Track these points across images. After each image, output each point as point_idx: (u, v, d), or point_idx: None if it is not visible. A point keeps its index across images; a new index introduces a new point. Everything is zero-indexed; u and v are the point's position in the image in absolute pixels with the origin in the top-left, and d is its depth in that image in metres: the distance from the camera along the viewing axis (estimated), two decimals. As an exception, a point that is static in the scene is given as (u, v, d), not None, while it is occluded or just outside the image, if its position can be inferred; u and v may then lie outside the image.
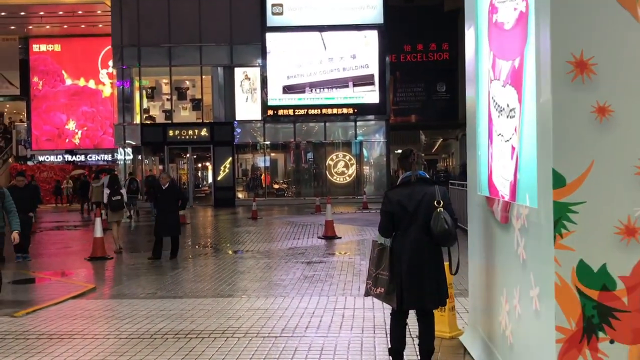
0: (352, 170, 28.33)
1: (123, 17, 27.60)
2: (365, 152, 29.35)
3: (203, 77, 28.31)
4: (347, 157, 28.45)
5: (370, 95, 27.38)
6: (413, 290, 3.93)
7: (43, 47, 34.97)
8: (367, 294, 4.19)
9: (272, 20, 27.56)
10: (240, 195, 28.29)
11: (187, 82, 29.67)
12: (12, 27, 32.91)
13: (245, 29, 27.33)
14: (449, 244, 3.97)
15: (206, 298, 7.42)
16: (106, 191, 12.52)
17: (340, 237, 13.79)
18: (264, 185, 28.52)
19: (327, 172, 28.33)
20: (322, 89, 27.47)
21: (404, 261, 3.95)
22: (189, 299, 7.39)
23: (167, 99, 29.09)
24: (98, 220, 11.56)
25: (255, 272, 9.47)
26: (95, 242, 11.38)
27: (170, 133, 27.60)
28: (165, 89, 29.33)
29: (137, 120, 28.41)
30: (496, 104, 3.99)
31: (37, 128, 34.96)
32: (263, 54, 27.45)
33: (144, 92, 29.09)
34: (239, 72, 27.95)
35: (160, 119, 29.19)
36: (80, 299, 7.62)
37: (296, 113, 27.52)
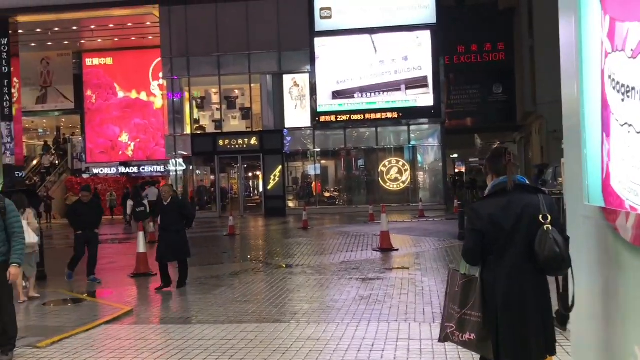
0: (406, 176, 27.18)
1: (172, 27, 27.51)
2: (419, 157, 28.20)
3: (252, 85, 27.86)
4: (401, 163, 27.34)
5: (424, 97, 26.24)
6: (512, 336, 2.93)
7: (96, 61, 35.40)
8: (445, 339, 3.16)
9: (320, 24, 26.87)
10: (290, 204, 27.61)
11: (236, 91, 29.31)
12: (66, 42, 33.42)
13: (294, 35, 26.75)
14: (559, 271, 2.96)
15: (250, 324, 6.58)
16: (129, 203, 12.16)
17: (397, 250, 12.79)
18: (314, 194, 27.73)
19: (379, 178, 27.30)
20: (373, 93, 26.56)
21: (499, 296, 2.96)
22: (231, 324, 6.57)
23: (217, 109, 28.79)
24: (141, 235, 10.98)
25: (306, 291, 8.60)
26: (138, 258, 10.79)
27: (220, 143, 27.23)
28: (215, 98, 29.06)
29: (188, 130, 28.22)
30: (618, 83, 2.97)
31: (91, 141, 35.36)
32: (312, 59, 26.78)
33: (194, 102, 28.92)
34: (287, 79, 27.36)
35: (210, 128, 28.93)
36: (113, 323, 6.93)
37: (347, 118, 26.67)
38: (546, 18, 34.07)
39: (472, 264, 3.11)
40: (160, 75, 30.29)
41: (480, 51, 41.40)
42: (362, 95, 26.61)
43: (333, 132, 27.53)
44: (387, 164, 27.27)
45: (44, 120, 38.93)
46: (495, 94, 41.43)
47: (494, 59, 41.33)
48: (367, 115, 26.48)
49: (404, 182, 27.21)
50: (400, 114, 26.33)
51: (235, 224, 19.07)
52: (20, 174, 29.30)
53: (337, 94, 26.65)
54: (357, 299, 7.75)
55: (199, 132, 28.48)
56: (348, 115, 26.55)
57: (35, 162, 35.69)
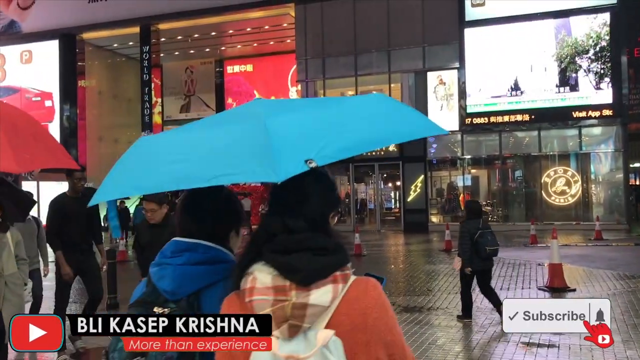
0: (576, 188, 22.58)
1: (307, 27, 25.70)
2: (592, 166, 23.39)
3: (392, 85, 25.07)
4: (569, 173, 22.81)
5: (600, 94, 21.58)
6: None
7: (236, 68, 34.94)
8: None
9: (471, 13, 23.38)
10: (434, 218, 24.23)
11: (374, 93, 26.67)
12: (207, 50, 33.25)
13: (440, 27, 23.54)
14: None
15: None
16: None
17: (573, 290, 9.21)
18: (462, 208, 24.09)
19: (542, 191, 22.98)
20: (535, 90, 22.41)
21: None
22: None
23: (353, 112, 26.36)
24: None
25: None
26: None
27: (356, 150, 24.68)
28: (351, 101, 26.67)
29: (322, 136, 26.10)
30: None
31: (231, 149, 34.87)
32: (461, 53, 23.34)
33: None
34: (432, 77, 24.15)
35: (345, 134, 26.57)
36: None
37: (502, 121, 22.80)
38: None
39: None
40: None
41: (669, 41, 34.80)
42: (522, 93, 22.62)
43: (486, 136, 23.79)
44: (551, 173, 22.89)
45: (189, 129, 39.37)
46: (689, 93, 34.52)
47: (687, 49, 34.53)
48: (528, 116, 22.39)
49: (572, 196, 22.64)
50: (569, 114, 21.87)
51: (366, 241, 16.35)
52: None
53: (491, 92, 22.90)
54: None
55: (334, 138, 26.25)
56: (504, 116, 22.66)
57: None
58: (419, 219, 23.35)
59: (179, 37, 30.54)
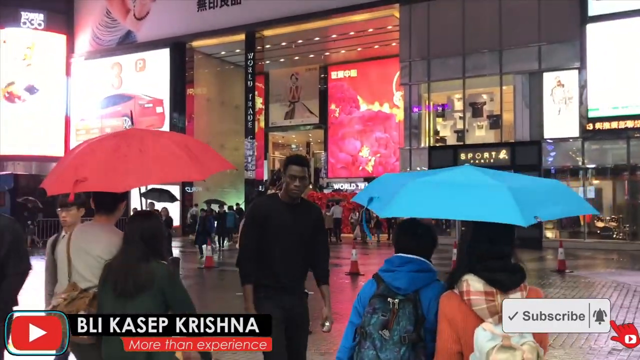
0: None
1: (412, 27, 24.54)
2: None
3: (503, 87, 23.19)
4: None
5: None
6: None
7: (340, 74, 34.43)
8: None
9: (595, 7, 21.07)
10: (549, 234, 22.02)
11: (484, 96, 24.88)
12: (311, 56, 32.98)
13: (559, 24, 21.51)
14: None
15: None
16: None
17: None
18: (582, 223, 21.67)
19: (679, 206, 20.13)
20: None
21: None
22: None
23: (460, 117, 24.77)
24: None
25: None
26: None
27: (462, 156, 23.08)
28: (458, 105, 25.09)
29: (425, 142, 24.75)
30: None
31: (333, 156, 34.34)
32: (582, 52, 21.11)
33: (435, 110, 25.41)
34: (549, 78, 22.04)
35: (451, 140, 25.07)
36: None
37: (631, 126, 20.27)
38: None
39: None
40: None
41: None
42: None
43: (611, 143, 21.33)
44: (691, 186, 19.96)
45: (293, 135, 39.39)
46: None
47: None
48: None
49: None
50: None
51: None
52: (260, 189, 29.22)
53: (616, 95, 20.45)
54: None
55: (438, 144, 24.81)
56: (634, 121, 20.12)
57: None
58: (532, 233, 21.17)
59: (284, 44, 30.50)
